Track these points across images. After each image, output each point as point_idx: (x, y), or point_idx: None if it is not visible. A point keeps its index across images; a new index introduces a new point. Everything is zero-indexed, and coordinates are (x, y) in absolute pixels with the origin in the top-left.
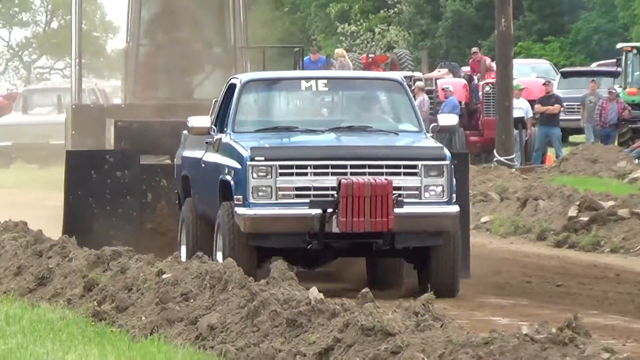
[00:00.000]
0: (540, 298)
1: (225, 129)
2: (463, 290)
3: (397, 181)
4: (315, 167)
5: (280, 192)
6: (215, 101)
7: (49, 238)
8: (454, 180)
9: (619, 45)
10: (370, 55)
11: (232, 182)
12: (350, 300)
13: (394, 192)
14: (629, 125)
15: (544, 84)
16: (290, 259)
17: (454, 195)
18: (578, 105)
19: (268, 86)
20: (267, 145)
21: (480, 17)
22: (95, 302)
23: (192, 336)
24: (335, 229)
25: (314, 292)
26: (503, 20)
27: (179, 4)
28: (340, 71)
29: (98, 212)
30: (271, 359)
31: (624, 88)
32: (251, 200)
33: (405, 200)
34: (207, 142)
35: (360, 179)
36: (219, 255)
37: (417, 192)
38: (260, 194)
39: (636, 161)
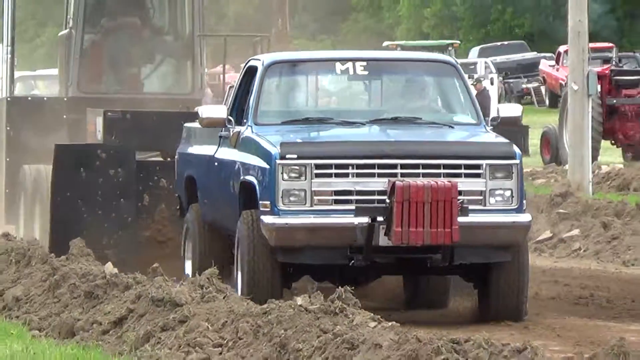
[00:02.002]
0: None
1: (244, 121)
2: None
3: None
4: (359, 166)
5: (316, 197)
6: (231, 87)
7: None
8: (524, 183)
9: (385, 44)
10: None
11: (256, 185)
12: (141, 275)
13: (458, 197)
14: None
15: None
16: (322, 277)
17: (524, 201)
18: None
19: (296, 69)
20: (299, 140)
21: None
22: None
23: None
24: (385, 242)
25: (109, 267)
26: (280, 20)
27: None
28: (382, 51)
29: (88, 216)
30: (70, 327)
31: None
32: (281, 206)
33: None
34: (221, 136)
35: (419, 181)
36: (239, 276)
37: (482, 197)
38: (292, 199)
39: None
